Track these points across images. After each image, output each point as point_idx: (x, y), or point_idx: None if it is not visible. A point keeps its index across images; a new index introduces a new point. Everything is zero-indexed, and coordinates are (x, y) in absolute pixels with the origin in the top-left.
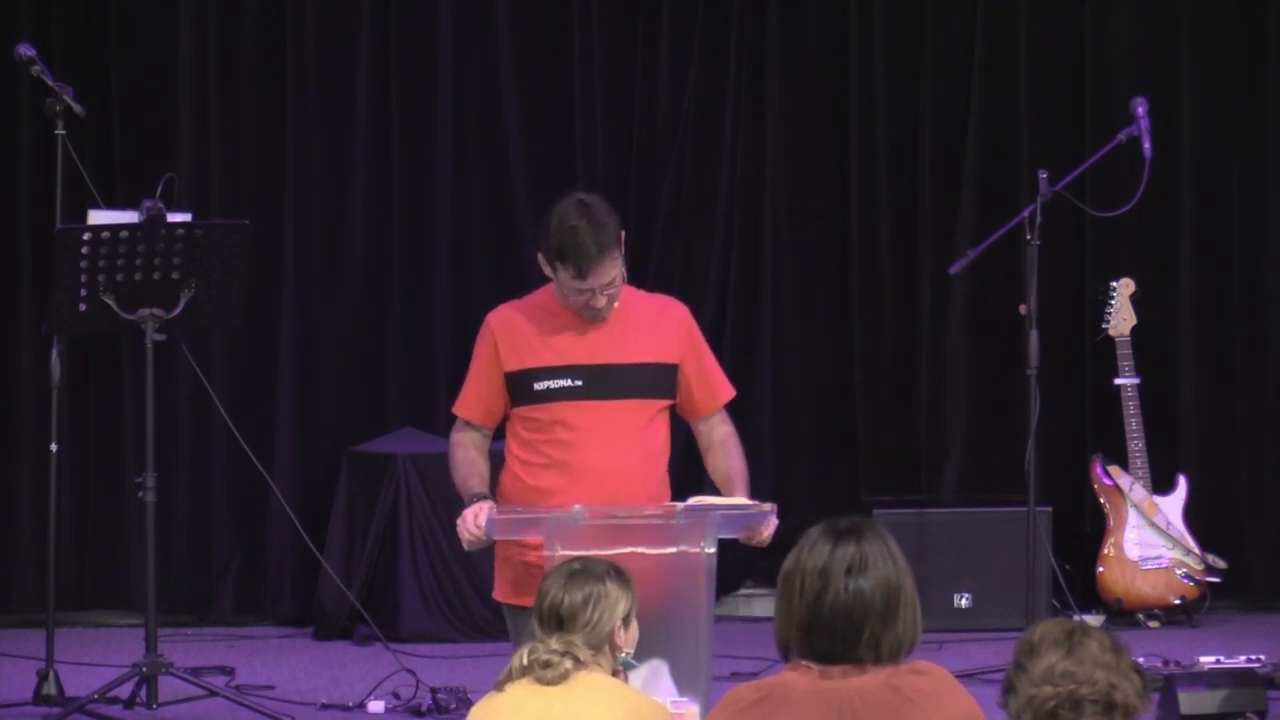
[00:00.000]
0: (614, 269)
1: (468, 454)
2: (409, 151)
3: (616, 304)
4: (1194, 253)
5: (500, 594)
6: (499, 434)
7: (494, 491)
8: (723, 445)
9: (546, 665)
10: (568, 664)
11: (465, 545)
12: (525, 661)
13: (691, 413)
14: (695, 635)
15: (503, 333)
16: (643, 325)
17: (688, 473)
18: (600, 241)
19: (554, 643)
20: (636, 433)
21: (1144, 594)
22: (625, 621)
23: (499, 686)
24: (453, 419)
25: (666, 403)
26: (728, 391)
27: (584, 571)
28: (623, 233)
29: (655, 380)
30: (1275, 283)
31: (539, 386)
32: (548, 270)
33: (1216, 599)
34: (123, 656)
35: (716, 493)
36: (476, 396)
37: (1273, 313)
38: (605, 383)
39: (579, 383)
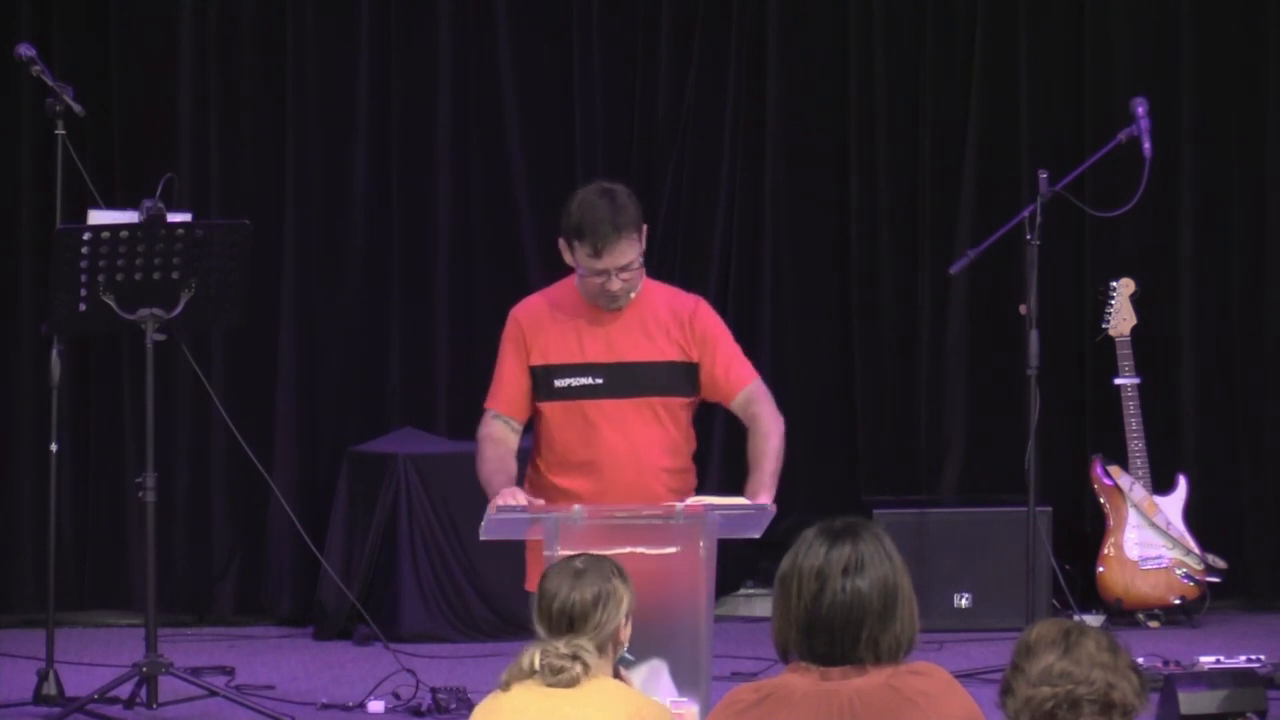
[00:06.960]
0: (631, 253)
1: (497, 450)
2: (409, 151)
3: (635, 294)
4: (1194, 253)
5: (533, 585)
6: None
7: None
8: (752, 424)
9: (559, 671)
10: (578, 669)
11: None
12: (536, 665)
13: (721, 399)
14: (695, 635)
15: (530, 326)
16: (661, 322)
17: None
18: (618, 222)
19: (563, 647)
20: (658, 429)
21: (1144, 594)
22: (627, 618)
23: (505, 686)
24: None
25: (688, 400)
26: (749, 375)
27: (590, 570)
28: (645, 226)
29: (675, 377)
30: (1275, 283)
31: (560, 384)
32: (567, 256)
33: (1216, 599)
34: (123, 656)
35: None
36: (505, 388)
37: (1273, 313)
38: (625, 380)
39: (599, 380)
